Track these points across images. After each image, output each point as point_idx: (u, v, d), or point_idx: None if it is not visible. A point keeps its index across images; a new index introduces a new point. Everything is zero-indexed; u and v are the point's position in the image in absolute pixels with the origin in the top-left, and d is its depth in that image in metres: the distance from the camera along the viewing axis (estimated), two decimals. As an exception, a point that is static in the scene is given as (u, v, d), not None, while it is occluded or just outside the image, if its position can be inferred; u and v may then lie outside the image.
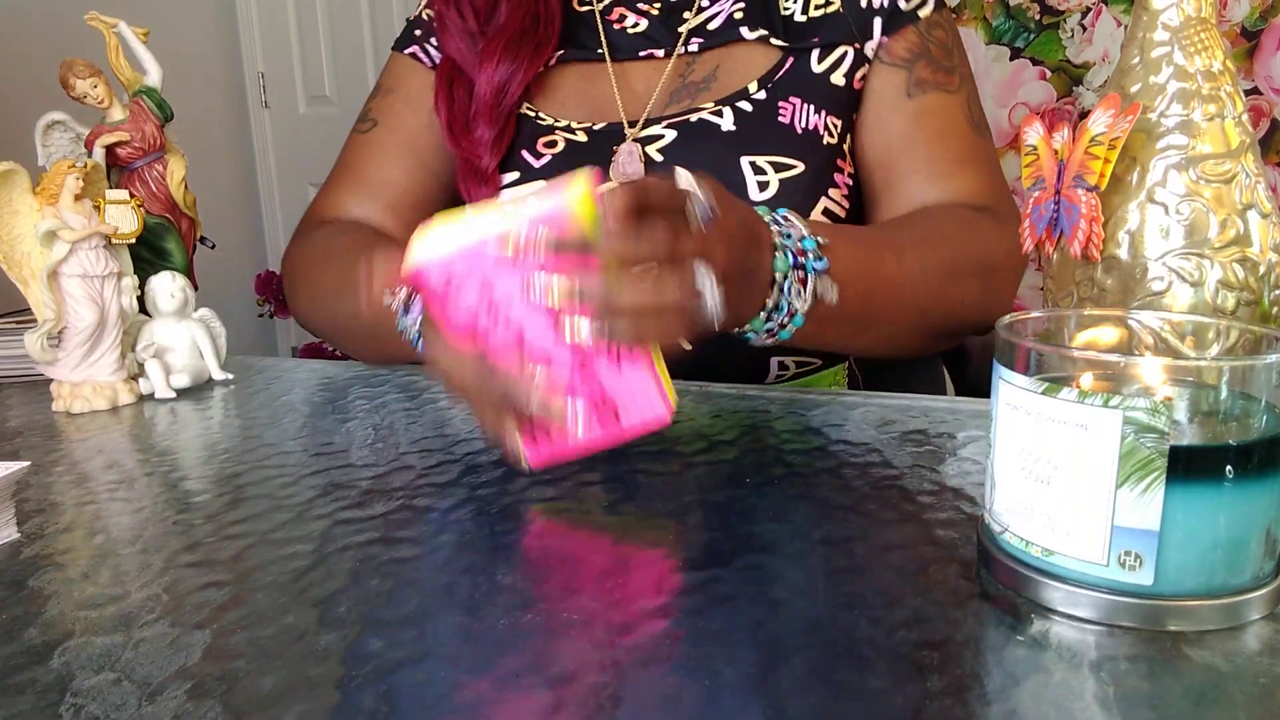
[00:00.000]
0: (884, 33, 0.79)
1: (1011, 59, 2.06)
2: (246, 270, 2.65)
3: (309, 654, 0.35)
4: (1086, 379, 0.36)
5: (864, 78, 0.80)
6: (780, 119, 0.78)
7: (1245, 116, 0.47)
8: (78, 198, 0.68)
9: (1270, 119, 1.92)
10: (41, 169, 0.74)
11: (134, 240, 0.74)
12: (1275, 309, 0.47)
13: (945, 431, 0.58)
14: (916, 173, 0.77)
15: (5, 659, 0.35)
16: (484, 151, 0.81)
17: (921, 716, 0.30)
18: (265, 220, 2.82)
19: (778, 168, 0.76)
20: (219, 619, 0.38)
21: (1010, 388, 0.37)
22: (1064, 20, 2.02)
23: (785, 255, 0.55)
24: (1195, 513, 0.33)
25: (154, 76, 0.81)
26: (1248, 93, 1.91)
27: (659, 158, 0.78)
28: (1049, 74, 2.05)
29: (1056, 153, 0.49)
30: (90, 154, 0.79)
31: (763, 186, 0.76)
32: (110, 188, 0.77)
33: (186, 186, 0.83)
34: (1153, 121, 0.47)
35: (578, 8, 0.86)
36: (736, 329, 0.57)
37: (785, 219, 0.58)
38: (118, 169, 0.81)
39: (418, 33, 0.89)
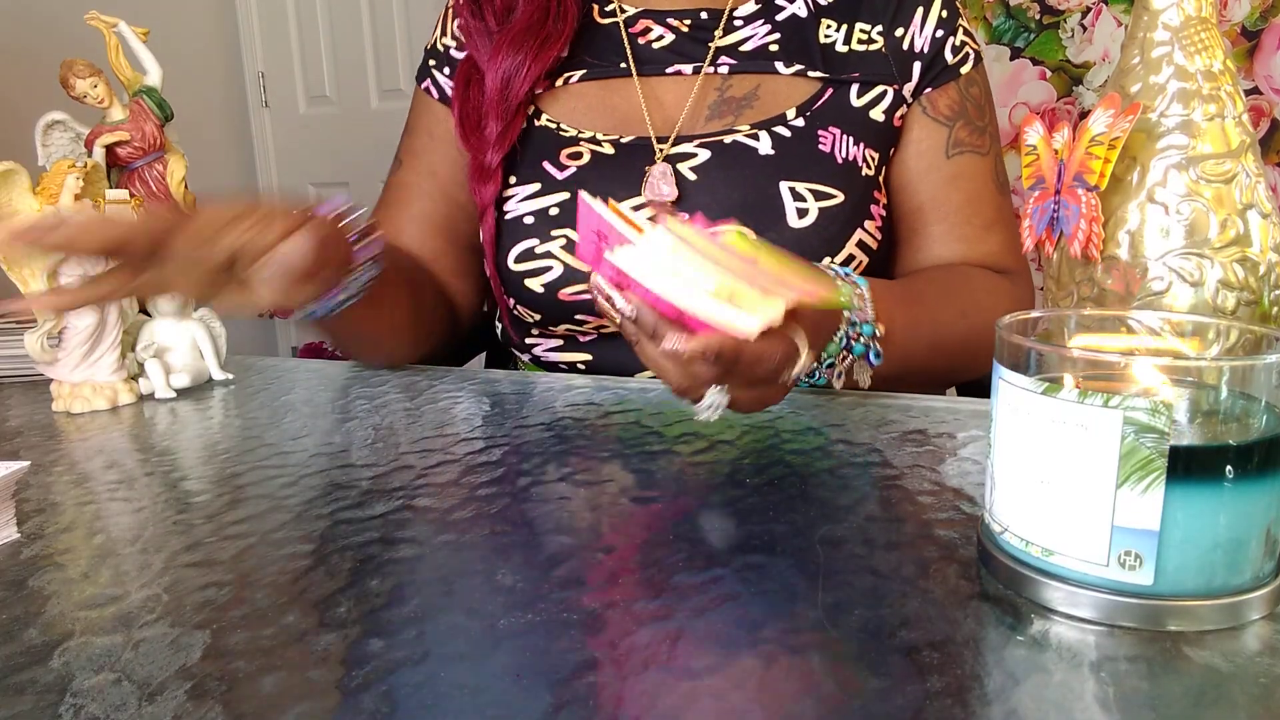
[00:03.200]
0: (929, 83, 0.80)
1: (1012, 59, 2.06)
2: (246, 270, 2.64)
3: (309, 654, 0.35)
4: (1086, 379, 0.36)
5: (903, 117, 0.81)
6: (820, 147, 0.77)
7: (1245, 116, 0.47)
8: (78, 197, 0.68)
9: (1270, 119, 1.92)
10: (41, 169, 0.74)
11: (134, 240, 0.74)
12: (1275, 309, 0.47)
13: (945, 431, 0.58)
14: (945, 233, 0.81)
15: (5, 659, 0.35)
16: (488, 147, 0.80)
17: (921, 716, 0.30)
18: (265, 220, 2.81)
19: (818, 196, 0.75)
20: (219, 619, 0.38)
21: (1010, 388, 0.37)
22: (1064, 20, 2.02)
23: (840, 340, 0.60)
24: (1195, 513, 0.33)
25: (154, 76, 0.81)
26: (1248, 92, 1.91)
27: (693, 177, 0.76)
28: (1049, 74, 2.05)
29: (1057, 153, 0.49)
30: (90, 153, 0.79)
31: (802, 214, 0.75)
32: (110, 187, 0.77)
33: (186, 186, 0.83)
34: (1153, 121, 0.47)
35: (599, 19, 0.84)
36: None
37: (861, 299, 0.62)
38: (118, 168, 0.81)
39: (431, 63, 0.89)
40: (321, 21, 2.63)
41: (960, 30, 0.81)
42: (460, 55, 0.87)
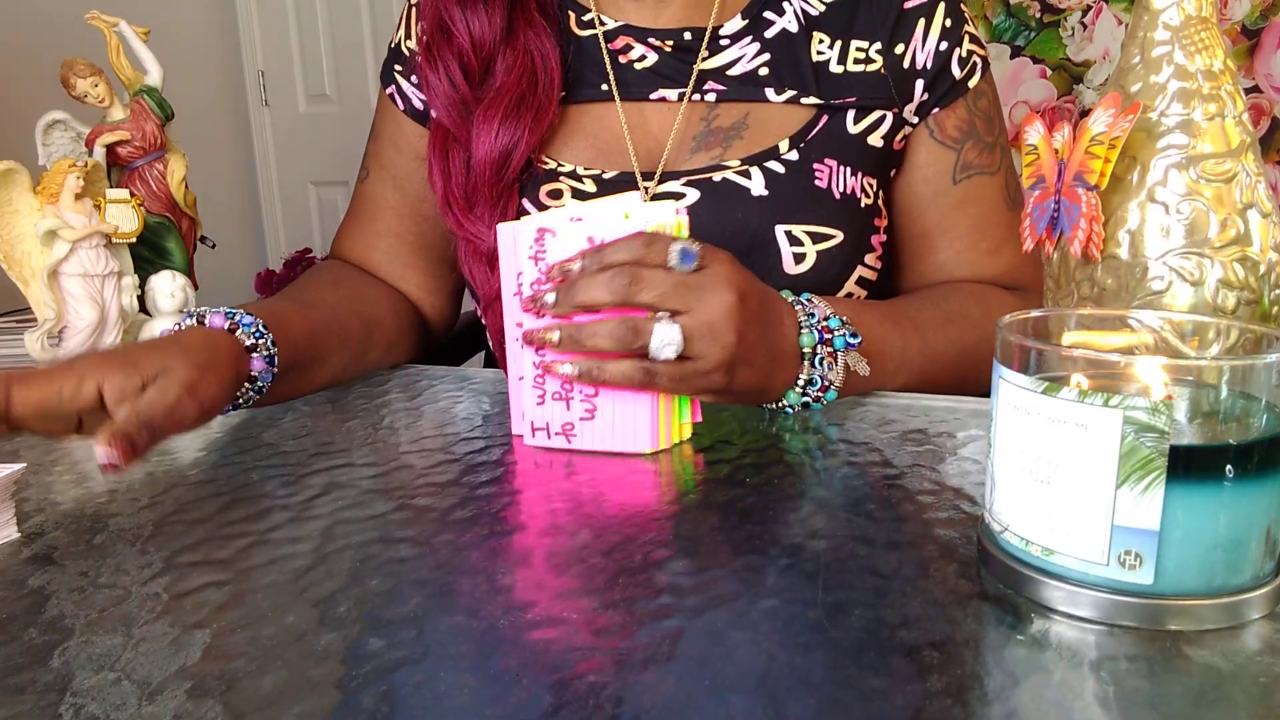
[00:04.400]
0: (936, 102, 0.75)
1: (1012, 57, 2.06)
2: (246, 270, 2.65)
3: (309, 654, 0.35)
4: (1086, 379, 0.36)
5: (904, 139, 0.76)
6: (816, 183, 0.72)
7: (1245, 115, 0.47)
8: (78, 197, 0.69)
9: (1271, 117, 1.92)
10: (42, 168, 0.74)
11: (134, 239, 0.74)
12: (1275, 308, 0.47)
13: (945, 431, 0.58)
14: (953, 257, 0.78)
15: (5, 659, 0.35)
16: (487, 232, 0.73)
17: (921, 716, 0.30)
18: (265, 220, 2.82)
19: (815, 238, 0.71)
20: (219, 619, 0.38)
21: (1010, 387, 0.37)
22: (1065, 18, 2.02)
23: (811, 332, 0.59)
24: (1195, 512, 0.33)
25: (154, 76, 0.81)
26: (1248, 91, 1.91)
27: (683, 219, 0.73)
28: (1049, 72, 2.05)
29: (1057, 152, 0.49)
30: (91, 153, 0.79)
31: (799, 259, 0.71)
32: (111, 187, 0.77)
33: (187, 185, 0.83)
34: (1153, 121, 0.47)
35: (577, 30, 0.78)
36: (776, 403, 0.61)
37: (808, 300, 0.61)
38: (118, 168, 0.81)
39: (397, 68, 0.82)
40: (321, 21, 2.64)
41: (966, 39, 0.76)
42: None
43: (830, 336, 0.59)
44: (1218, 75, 0.47)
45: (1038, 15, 2.03)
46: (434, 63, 0.75)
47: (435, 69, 0.75)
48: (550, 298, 0.54)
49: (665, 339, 0.52)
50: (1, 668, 0.35)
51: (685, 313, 0.53)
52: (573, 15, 0.78)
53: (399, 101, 0.82)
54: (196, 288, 0.78)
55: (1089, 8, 2.00)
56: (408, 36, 0.82)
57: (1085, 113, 0.53)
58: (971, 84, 0.76)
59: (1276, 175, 1.93)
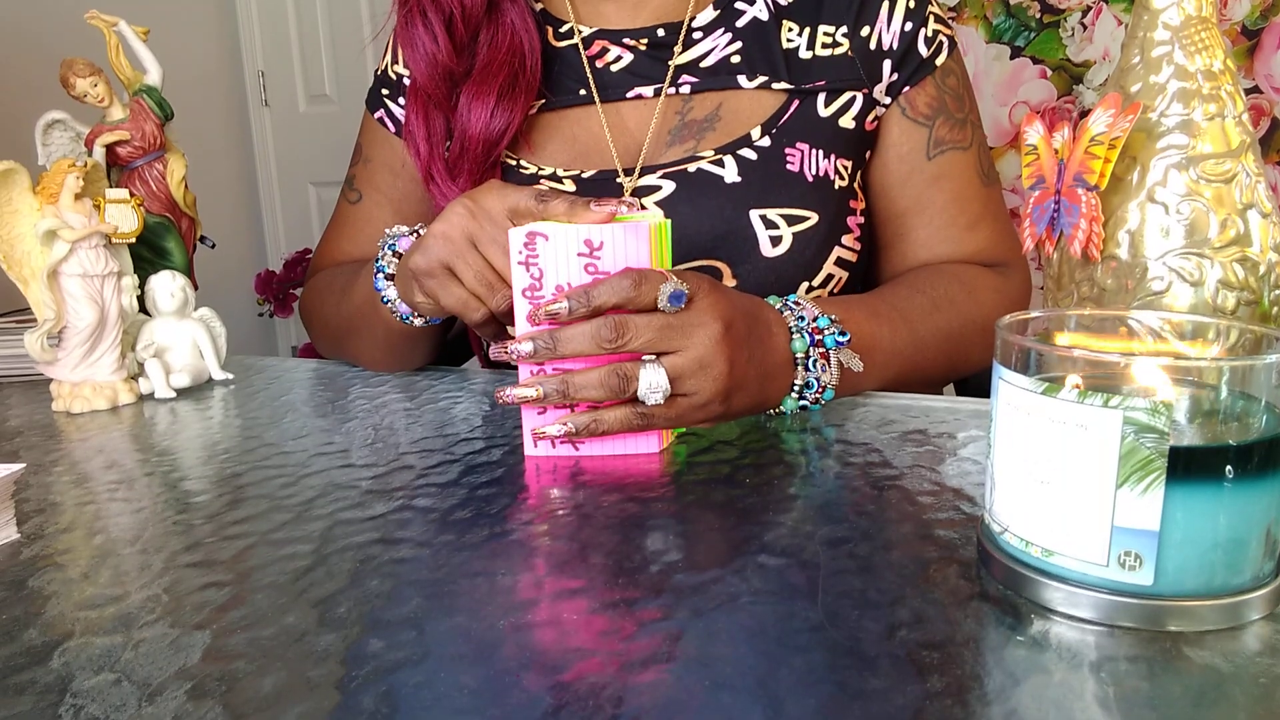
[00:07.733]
0: (905, 81, 0.77)
1: (1012, 57, 2.06)
2: (246, 270, 2.65)
3: (309, 654, 0.35)
4: (1086, 379, 0.36)
5: (876, 119, 0.78)
6: (789, 167, 0.74)
7: (1245, 116, 0.47)
8: (78, 197, 0.68)
9: (1270, 118, 1.92)
10: (42, 168, 0.74)
11: (134, 239, 0.74)
12: (1275, 309, 0.47)
13: (945, 431, 0.58)
14: (931, 236, 0.78)
15: (5, 659, 0.35)
16: None
17: (921, 717, 0.30)
18: (265, 220, 2.81)
19: (790, 220, 0.73)
20: (219, 619, 0.38)
21: (1010, 388, 0.37)
22: (1064, 19, 2.02)
23: (802, 336, 0.59)
24: (1195, 513, 0.33)
25: (154, 75, 0.81)
26: (1248, 91, 1.91)
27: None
28: (1049, 72, 2.04)
29: (1057, 152, 0.49)
30: (90, 153, 0.79)
31: (775, 241, 0.73)
32: (110, 187, 0.77)
33: (186, 185, 0.83)
34: (1153, 121, 0.47)
35: (555, 42, 0.80)
36: (774, 410, 0.60)
37: (796, 303, 0.60)
38: (118, 168, 0.81)
39: (384, 91, 0.85)
40: (321, 21, 2.63)
41: (931, 19, 0.77)
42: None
43: (820, 337, 0.59)
44: (1218, 75, 0.47)
45: (1038, 15, 2.03)
46: (426, 21, 0.77)
47: (428, 28, 0.77)
48: (527, 347, 0.52)
49: (651, 385, 0.52)
50: (1, 668, 0.35)
51: (675, 353, 0.52)
52: (550, 30, 0.81)
53: (389, 124, 0.84)
54: (196, 288, 0.78)
55: (1089, 8, 2.00)
56: (395, 61, 0.85)
57: (1085, 113, 0.53)
58: (939, 62, 0.78)
59: (1276, 175, 1.94)
